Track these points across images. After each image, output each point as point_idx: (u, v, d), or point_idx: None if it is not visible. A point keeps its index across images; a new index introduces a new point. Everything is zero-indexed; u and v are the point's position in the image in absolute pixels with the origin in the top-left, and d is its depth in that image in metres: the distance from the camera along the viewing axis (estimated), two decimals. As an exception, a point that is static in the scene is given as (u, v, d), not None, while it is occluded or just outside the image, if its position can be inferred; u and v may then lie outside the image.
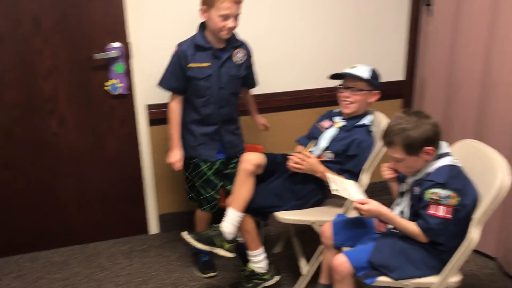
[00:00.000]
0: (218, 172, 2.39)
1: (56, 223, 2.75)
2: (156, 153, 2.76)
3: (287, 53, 2.83)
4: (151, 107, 2.67)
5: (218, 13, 2.11)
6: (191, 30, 2.57)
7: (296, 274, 2.40)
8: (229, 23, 2.14)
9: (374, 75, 2.24)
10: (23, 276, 2.55)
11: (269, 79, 2.76)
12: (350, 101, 2.23)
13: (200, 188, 2.41)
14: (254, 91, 2.58)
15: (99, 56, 2.50)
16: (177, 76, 2.26)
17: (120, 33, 2.52)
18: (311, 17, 2.81)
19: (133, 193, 2.83)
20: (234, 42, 2.28)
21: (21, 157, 2.58)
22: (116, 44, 2.53)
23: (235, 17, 2.15)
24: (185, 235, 2.15)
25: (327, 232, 2.02)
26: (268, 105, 2.82)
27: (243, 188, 2.19)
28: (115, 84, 2.58)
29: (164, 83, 2.30)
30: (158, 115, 2.66)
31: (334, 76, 2.27)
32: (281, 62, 2.83)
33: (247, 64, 2.37)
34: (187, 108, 2.34)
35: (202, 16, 2.20)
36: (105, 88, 2.58)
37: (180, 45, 2.26)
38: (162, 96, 2.46)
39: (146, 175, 2.80)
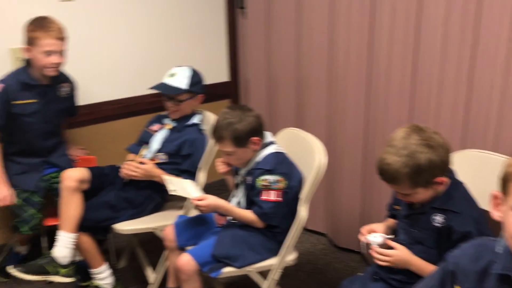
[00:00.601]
0: (40, 190, 2.24)
1: None
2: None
3: (111, 61, 2.73)
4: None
5: (41, 50, 2.08)
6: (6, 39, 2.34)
7: (144, 285, 2.33)
8: (53, 59, 2.11)
9: (194, 80, 2.23)
10: None
11: (95, 88, 2.64)
12: (174, 110, 2.24)
13: (17, 209, 2.23)
14: (79, 102, 2.48)
15: None
16: (2, 114, 2.13)
17: None
18: (135, 24, 2.76)
19: None
20: (60, 76, 2.24)
21: None
22: None
23: (60, 53, 2.11)
24: (11, 269, 1.98)
25: (169, 235, 2.00)
26: (95, 115, 2.69)
27: (69, 207, 2.07)
28: None
29: None
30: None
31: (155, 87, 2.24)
32: (106, 70, 2.71)
33: (71, 96, 2.38)
34: (9, 141, 2.23)
35: (26, 56, 2.13)
36: None
37: (4, 81, 2.13)
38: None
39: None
